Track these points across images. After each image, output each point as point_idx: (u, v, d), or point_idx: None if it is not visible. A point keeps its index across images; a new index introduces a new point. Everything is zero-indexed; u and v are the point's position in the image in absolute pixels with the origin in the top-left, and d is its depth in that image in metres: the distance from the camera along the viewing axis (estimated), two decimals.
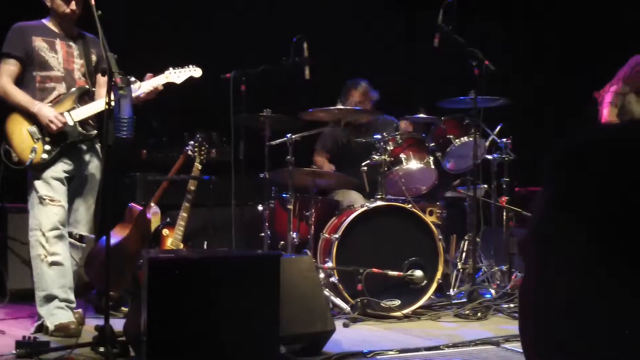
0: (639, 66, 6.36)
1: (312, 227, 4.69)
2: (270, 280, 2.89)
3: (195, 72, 4.12)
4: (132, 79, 3.62)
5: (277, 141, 4.73)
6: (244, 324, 2.81)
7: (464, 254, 5.20)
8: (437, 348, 3.55)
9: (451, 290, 5.06)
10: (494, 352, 3.57)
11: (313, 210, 4.72)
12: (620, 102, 6.36)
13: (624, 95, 6.36)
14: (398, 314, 4.38)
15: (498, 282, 5.12)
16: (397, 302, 4.43)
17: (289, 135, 4.66)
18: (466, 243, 5.18)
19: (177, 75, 4.05)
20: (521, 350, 3.56)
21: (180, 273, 2.75)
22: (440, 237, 4.55)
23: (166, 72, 4.02)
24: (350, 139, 5.29)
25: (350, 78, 5.40)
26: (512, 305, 4.66)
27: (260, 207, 4.87)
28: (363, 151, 4.95)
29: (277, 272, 2.90)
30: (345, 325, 4.05)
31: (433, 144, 5.04)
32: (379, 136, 4.75)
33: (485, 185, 5.32)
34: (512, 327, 4.16)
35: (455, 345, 3.60)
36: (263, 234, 4.77)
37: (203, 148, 4.52)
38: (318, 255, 4.60)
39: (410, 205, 4.57)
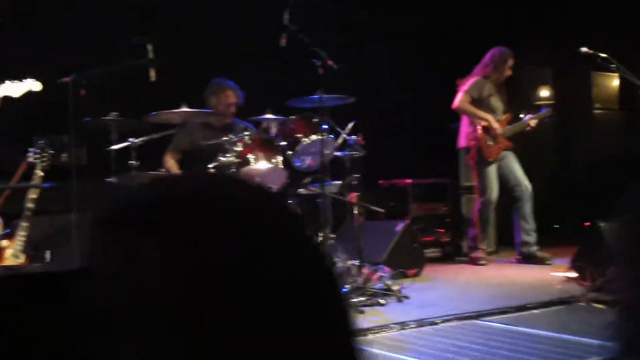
0: (497, 59, 6.61)
1: None
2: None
3: (34, 85, 4.00)
4: None
5: (120, 145, 4.64)
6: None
7: None
8: None
9: None
10: None
11: None
12: (477, 93, 6.58)
13: (482, 86, 6.60)
14: None
15: (353, 277, 5.22)
16: None
17: (131, 140, 4.59)
18: (320, 240, 5.24)
19: (14, 89, 3.93)
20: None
21: None
22: None
23: (2, 86, 3.89)
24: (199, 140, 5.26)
25: (197, 79, 5.37)
26: (362, 298, 4.76)
27: None
28: (214, 153, 4.94)
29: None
30: None
31: (283, 143, 5.08)
32: (226, 138, 4.75)
33: (339, 182, 5.41)
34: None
35: None
36: None
37: (45, 154, 4.39)
38: None
39: None
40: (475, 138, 6.55)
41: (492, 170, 6.58)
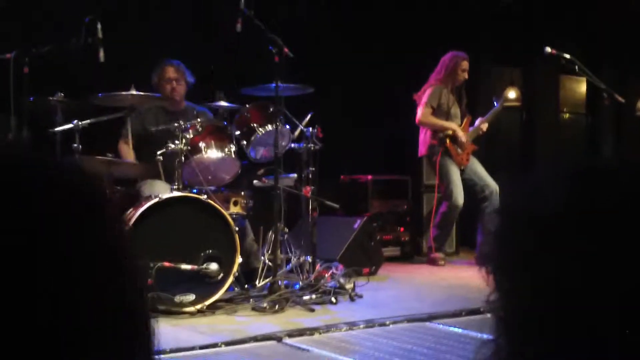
0: (448, 64, 6.52)
1: None
2: None
3: None
4: None
5: (64, 127, 4.42)
6: None
7: (271, 245, 5.10)
8: (214, 346, 3.42)
9: (257, 282, 4.94)
10: (272, 348, 3.49)
11: None
12: (437, 101, 6.49)
13: (439, 94, 6.50)
14: (191, 309, 4.22)
15: (307, 273, 5.07)
16: (192, 297, 4.27)
17: (75, 122, 4.37)
18: (273, 234, 5.07)
19: None
20: (295, 344, 3.52)
21: None
22: (236, 228, 4.42)
23: None
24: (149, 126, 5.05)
25: (149, 61, 5.16)
26: (313, 296, 4.61)
27: None
28: (164, 139, 4.73)
29: None
30: None
31: (237, 132, 4.89)
32: (176, 124, 4.56)
33: (295, 175, 5.25)
34: (304, 319, 4.11)
35: (233, 343, 3.49)
36: None
37: None
38: None
39: (206, 196, 4.41)
40: (442, 147, 6.45)
41: (457, 176, 6.49)
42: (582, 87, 9.38)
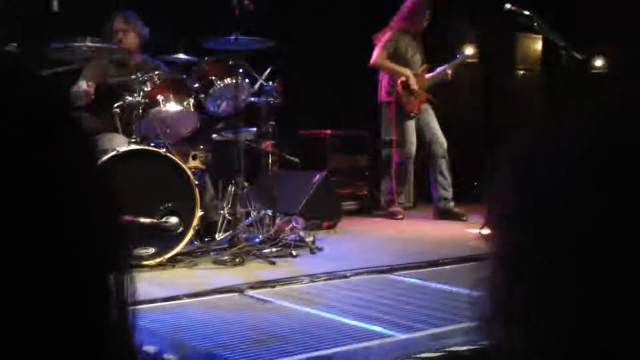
0: (413, 10, 6.46)
1: None
2: None
3: None
4: None
5: None
6: None
7: (230, 199, 5.08)
8: (176, 298, 3.41)
9: (217, 235, 4.93)
10: (234, 300, 3.50)
11: None
12: (394, 47, 6.47)
13: (399, 40, 6.47)
14: (151, 262, 4.19)
15: (267, 227, 5.07)
16: (151, 250, 4.24)
17: None
18: (233, 188, 5.05)
19: None
20: (257, 296, 3.54)
21: None
22: (196, 182, 4.39)
23: None
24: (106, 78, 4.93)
25: (102, 11, 5.02)
26: (274, 249, 4.62)
27: None
28: (121, 91, 4.64)
29: None
30: None
31: (196, 85, 4.82)
32: (133, 76, 4.47)
33: (255, 129, 5.21)
34: (265, 272, 4.12)
35: (195, 295, 3.48)
36: None
37: None
38: None
39: (164, 150, 4.36)
40: (395, 93, 6.43)
41: (411, 125, 6.50)
42: (538, 45, 9.46)
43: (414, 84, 6.40)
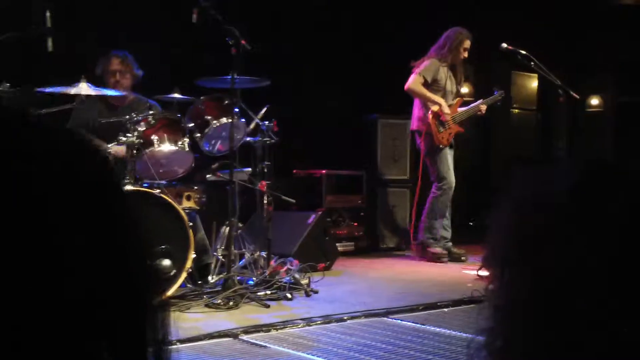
0: (452, 40, 6.33)
1: None
2: None
3: None
4: None
5: None
6: None
7: (224, 240, 5.01)
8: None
9: (210, 278, 4.84)
10: (228, 345, 3.41)
11: None
12: (431, 75, 6.31)
13: (437, 69, 6.33)
14: None
15: (261, 269, 4.99)
16: None
17: None
18: (227, 229, 4.98)
19: None
20: (252, 341, 3.46)
21: None
22: (190, 223, 4.32)
23: None
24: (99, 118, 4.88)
25: (100, 52, 5.01)
26: (268, 292, 4.54)
27: None
28: (115, 132, 4.59)
29: None
30: None
31: (191, 124, 4.78)
32: (128, 116, 4.43)
33: (250, 169, 5.16)
34: (260, 315, 4.04)
35: (189, 340, 3.40)
36: None
37: None
38: None
39: (159, 191, 4.30)
40: (426, 123, 6.27)
41: (446, 154, 6.31)
42: (534, 84, 9.50)
43: (446, 113, 6.26)
